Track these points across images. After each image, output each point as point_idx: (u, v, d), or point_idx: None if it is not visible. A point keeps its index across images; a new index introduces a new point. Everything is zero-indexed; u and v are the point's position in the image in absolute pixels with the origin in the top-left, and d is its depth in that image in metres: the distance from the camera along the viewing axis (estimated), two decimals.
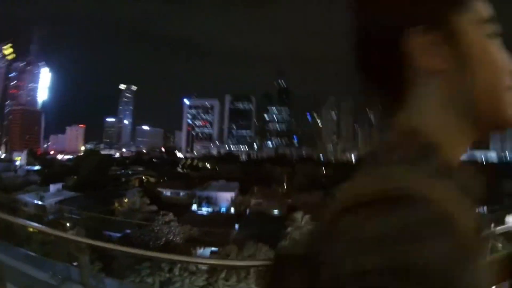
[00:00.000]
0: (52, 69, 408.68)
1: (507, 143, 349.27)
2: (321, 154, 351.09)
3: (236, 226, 65.83)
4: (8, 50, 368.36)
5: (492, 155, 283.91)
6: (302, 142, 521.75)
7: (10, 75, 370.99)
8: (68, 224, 71.86)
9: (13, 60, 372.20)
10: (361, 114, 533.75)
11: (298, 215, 54.69)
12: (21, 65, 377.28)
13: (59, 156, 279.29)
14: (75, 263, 27.06)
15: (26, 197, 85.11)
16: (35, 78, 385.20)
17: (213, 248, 52.74)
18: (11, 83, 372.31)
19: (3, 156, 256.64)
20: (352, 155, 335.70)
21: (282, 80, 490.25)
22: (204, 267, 43.45)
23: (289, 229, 52.54)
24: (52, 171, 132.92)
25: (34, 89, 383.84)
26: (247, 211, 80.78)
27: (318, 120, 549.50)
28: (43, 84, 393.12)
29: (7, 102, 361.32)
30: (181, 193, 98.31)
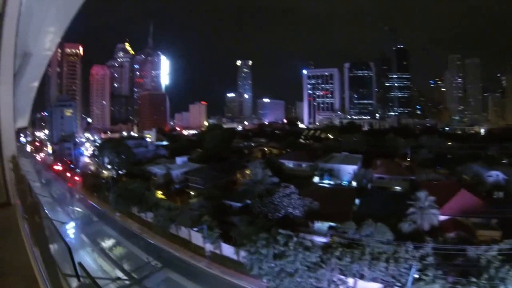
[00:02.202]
0: (170, 57, 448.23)
1: None
2: (446, 126, 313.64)
3: (357, 201, 62.91)
4: (128, 46, 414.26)
5: None
6: (425, 111, 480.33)
7: (134, 67, 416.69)
8: (192, 193, 76.80)
9: (134, 54, 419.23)
10: (493, 79, 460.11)
11: (422, 194, 49.89)
12: (141, 57, 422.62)
13: (184, 132, 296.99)
14: (195, 229, 28.57)
15: (156, 169, 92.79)
16: (156, 66, 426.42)
17: (332, 223, 51.08)
18: (136, 74, 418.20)
19: (136, 135, 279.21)
20: (482, 128, 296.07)
21: (399, 42, 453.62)
22: (320, 243, 42.84)
23: (411, 209, 48.63)
24: (178, 145, 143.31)
25: (157, 76, 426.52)
26: (369, 185, 77.07)
27: (442, 87, 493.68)
28: (164, 71, 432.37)
29: (135, 90, 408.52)
30: (303, 165, 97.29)
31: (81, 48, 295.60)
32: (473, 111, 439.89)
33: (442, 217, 50.46)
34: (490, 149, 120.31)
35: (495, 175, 79.45)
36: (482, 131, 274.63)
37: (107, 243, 58.08)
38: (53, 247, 5.57)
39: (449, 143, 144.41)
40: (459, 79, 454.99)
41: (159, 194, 75.05)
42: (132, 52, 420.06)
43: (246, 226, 46.61)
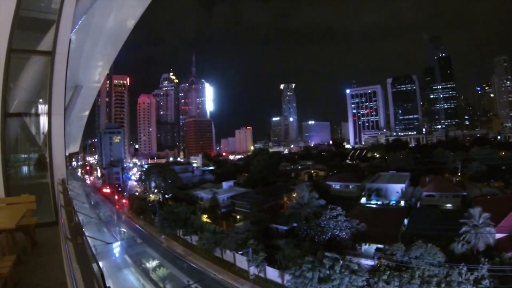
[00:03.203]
0: (214, 84, 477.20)
1: None
2: (498, 135, 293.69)
3: (406, 221, 60.16)
4: (172, 76, 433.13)
5: None
6: (474, 120, 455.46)
7: (179, 95, 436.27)
8: (238, 217, 76.90)
9: (179, 83, 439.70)
10: None
11: (475, 211, 46.59)
12: (186, 85, 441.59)
13: (231, 157, 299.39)
14: (240, 252, 28.18)
15: (202, 193, 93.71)
16: (200, 94, 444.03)
17: (379, 245, 48.97)
18: (181, 102, 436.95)
19: (182, 160, 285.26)
20: None
21: (441, 50, 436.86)
22: (367, 266, 41.19)
23: (464, 228, 45.38)
24: (224, 170, 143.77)
25: (202, 103, 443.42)
26: (418, 204, 73.78)
27: (490, 93, 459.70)
28: (208, 97, 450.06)
29: (181, 117, 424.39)
30: (350, 186, 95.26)
31: (128, 79, 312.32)
32: None
33: (498, 235, 46.03)
34: None
35: None
36: None
37: (151, 264, 58.87)
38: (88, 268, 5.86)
39: (502, 153, 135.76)
40: (508, 82, 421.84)
41: (205, 217, 76.02)
42: (176, 80, 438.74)
43: (291, 249, 45.85)
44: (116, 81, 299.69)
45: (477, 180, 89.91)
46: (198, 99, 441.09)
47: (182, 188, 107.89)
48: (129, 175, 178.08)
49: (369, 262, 43.67)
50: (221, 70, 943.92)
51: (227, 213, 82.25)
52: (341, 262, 39.45)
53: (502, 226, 47.70)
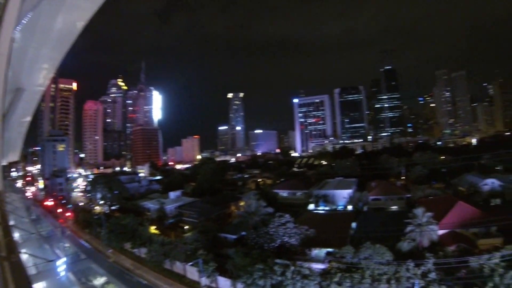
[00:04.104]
0: (162, 92, 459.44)
1: None
2: (439, 141, 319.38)
3: (354, 224, 62.09)
4: (121, 82, 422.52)
5: None
6: (416, 128, 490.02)
7: (127, 102, 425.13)
8: (186, 227, 75.94)
9: (127, 90, 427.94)
10: (479, 89, 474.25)
11: (419, 211, 49.57)
12: (134, 92, 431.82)
13: (178, 166, 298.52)
14: (190, 263, 27.39)
15: (149, 204, 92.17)
16: (148, 102, 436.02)
17: (329, 249, 49.96)
18: (129, 109, 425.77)
19: (129, 170, 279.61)
20: (473, 138, 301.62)
21: (387, 64, 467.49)
22: (318, 270, 41.89)
23: (409, 227, 48.00)
24: (172, 179, 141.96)
25: (149, 111, 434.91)
26: (365, 207, 76.77)
27: (431, 102, 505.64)
28: (156, 105, 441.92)
29: (128, 125, 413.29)
30: (298, 193, 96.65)
31: (74, 84, 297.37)
32: (463, 123, 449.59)
33: (441, 232, 49.78)
34: (483, 158, 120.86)
35: (491, 182, 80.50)
36: (474, 141, 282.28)
37: (98, 281, 56.24)
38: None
39: (442, 157, 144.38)
40: (447, 93, 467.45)
41: (153, 229, 74.30)
42: (125, 87, 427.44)
43: (241, 258, 45.52)
44: (62, 86, 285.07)
45: (420, 183, 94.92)
46: (146, 107, 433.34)
47: (129, 199, 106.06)
48: (74, 186, 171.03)
49: (320, 266, 44.35)
50: (170, 78, 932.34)
51: (175, 223, 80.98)
52: (292, 267, 39.87)
53: (444, 223, 51.75)
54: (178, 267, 55.73)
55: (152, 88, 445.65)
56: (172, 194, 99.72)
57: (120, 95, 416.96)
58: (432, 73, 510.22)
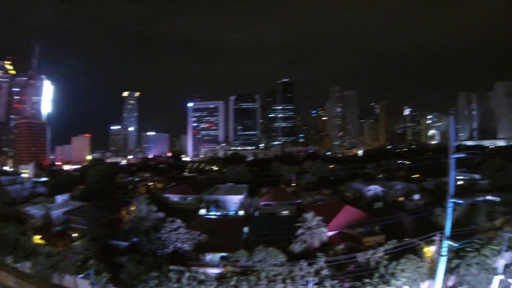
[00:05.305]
0: (54, 82, 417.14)
1: None
2: (328, 151, 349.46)
3: (246, 229, 63.98)
4: (8, 65, 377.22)
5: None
6: (308, 138, 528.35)
7: (13, 90, 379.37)
8: (75, 235, 70.86)
9: (15, 75, 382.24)
10: (367, 107, 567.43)
11: (309, 216, 53.60)
12: (23, 79, 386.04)
13: (66, 167, 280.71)
14: (81, 275, 25.56)
15: (33, 209, 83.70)
16: (38, 92, 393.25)
17: (223, 254, 51.26)
18: (15, 98, 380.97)
19: (10, 169, 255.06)
20: (359, 150, 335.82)
21: (286, 76, 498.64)
22: (213, 274, 42.61)
23: (300, 230, 51.38)
24: (59, 181, 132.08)
25: (38, 102, 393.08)
26: (257, 213, 79.67)
27: (323, 116, 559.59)
28: (46, 97, 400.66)
29: (12, 116, 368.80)
30: (189, 198, 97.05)
31: None
32: (351, 136, 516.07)
33: (330, 233, 54.76)
34: (367, 167, 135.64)
35: (374, 189, 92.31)
36: (360, 152, 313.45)
37: None
38: None
39: (331, 166, 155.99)
40: (339, 109, 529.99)
41: (38, 238, 67.39)
42: (13, 71, 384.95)
43: (135, 266, 44.27)
44: None
45: (309, 190, 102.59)
46: (34, 98, 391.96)
47: (10, 204, 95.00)
48: None
49: (216, 271, 45.26)
50: (65, 68, 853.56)
51: (62, 231, 74.28)
52: (188, 273, 40.17)
53: (332, 225, 57.45)
54: (68, 280, 51.15)
55: (43, 76, 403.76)
56: (59, 198, 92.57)
57: (6, 80, 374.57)
58: (326, 89, 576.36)
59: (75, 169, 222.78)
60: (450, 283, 43.89)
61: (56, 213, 79.97)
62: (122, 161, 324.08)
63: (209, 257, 52.78)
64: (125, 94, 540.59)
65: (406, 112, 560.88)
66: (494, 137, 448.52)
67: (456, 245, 33.21)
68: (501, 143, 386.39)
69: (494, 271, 39.38)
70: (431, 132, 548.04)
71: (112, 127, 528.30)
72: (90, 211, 79.81)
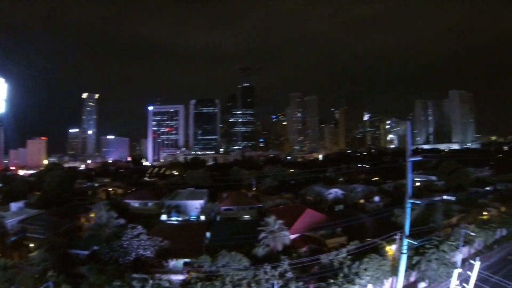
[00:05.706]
0: (8, 80, 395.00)
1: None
2: (288, 155, 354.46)
3: (208, 234, 64.01)
4: None
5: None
6: (268, 143, 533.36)
7: None
8: (32, 245, 67.92)
9: None
10: (327, 113, 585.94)
11: (271, 219, 54.39)
12: None
13: (21, 172, 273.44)
14: None
15: None
16: None
17: (186, 260, 51.16)
18: None
19: None
20: (320, 155, 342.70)
21: (246, 81, 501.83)
22: (178, 281, 42.28)
23: (262, 234, 52.04)
24: (13, 188, 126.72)
25: None
26: (218, 217, 79.87)
27: (284, 121, 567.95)
28: (0, 96, 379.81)
29: None
30: (149, 203, 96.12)
31: None
32: (311, 141, 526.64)
33: (293, 236, 55.98)
34: (328, 171, 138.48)
35: (334, 192, 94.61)
36: (320, 157, 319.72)
37: None
38: None
39: (291, 170, 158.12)
40: (299, 114, 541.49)
41: None
42: None
43: (96, 276, 43.23)
44: None
45: (270, 194, 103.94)
46: None
47: None
48: None
49: (180, 277, 44.95)
50: (21, 65, 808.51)
51: (18, 241, 70.93)
52: (151, 281, 39.44)
53: (294, 228, 58.77)
54: None
55: None
56: (14, 206, 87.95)
57: None
58: (286, 94, 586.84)
59: (31, 175, 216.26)
60: (412, 279, 47.46)
61: (11, 222, 76.10)
62: (81, 166, 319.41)
63: (172, 263, 52.47)
64: (84, 95, 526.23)
65: (366, 117, 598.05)
66: (448, 141, 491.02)
67: (416, 243, 34.82)
68: (455, 146, 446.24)
69: (453, 265, 42.50)
70: (390, 136, 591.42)
71: (70, 130, 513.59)
72: (47, 219, 76.51)
